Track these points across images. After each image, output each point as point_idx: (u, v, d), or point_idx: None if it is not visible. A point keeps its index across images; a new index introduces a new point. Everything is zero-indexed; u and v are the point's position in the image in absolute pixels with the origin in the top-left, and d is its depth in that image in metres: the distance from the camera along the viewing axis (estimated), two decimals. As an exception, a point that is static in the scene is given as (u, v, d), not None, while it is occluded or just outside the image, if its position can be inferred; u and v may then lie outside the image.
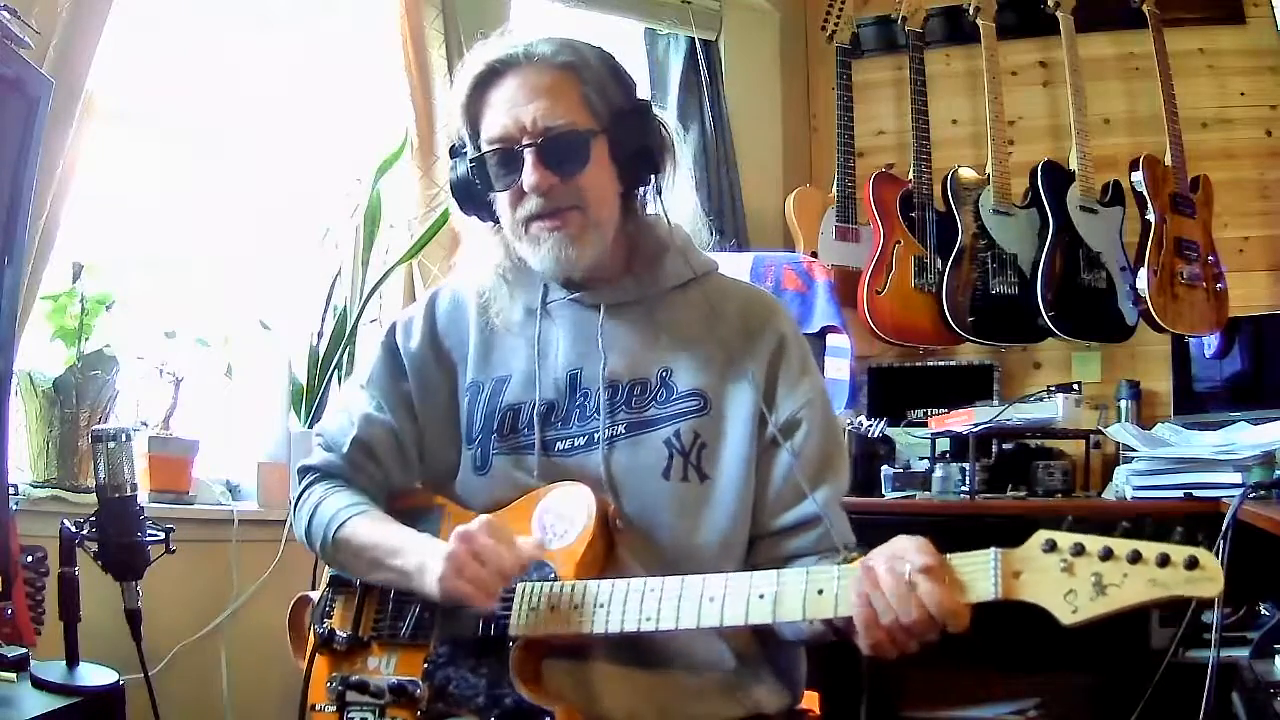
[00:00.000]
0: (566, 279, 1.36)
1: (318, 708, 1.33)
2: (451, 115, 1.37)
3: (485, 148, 1.32)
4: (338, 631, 1.34)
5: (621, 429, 1.31)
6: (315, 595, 1.43)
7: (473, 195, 1.36)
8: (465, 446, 1.38)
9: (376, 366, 1.45)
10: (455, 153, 1.39)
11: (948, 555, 1.00)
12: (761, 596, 1.09)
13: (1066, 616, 0.93)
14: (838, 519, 1.29)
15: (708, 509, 1.28)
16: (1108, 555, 0.93)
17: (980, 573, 0.97)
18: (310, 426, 2.47)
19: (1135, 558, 0.91)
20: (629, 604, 1.15)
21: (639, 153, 1.33)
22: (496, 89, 1.32)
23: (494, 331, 1.40)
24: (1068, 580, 0.94)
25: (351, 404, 1.45)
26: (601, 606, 1.16)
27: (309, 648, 1.37)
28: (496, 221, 1.38)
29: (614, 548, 1.26)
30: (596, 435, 1.31)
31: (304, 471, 1.45)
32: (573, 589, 1.19)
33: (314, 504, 1.38)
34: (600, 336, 1.34)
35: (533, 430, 1.33)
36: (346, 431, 1.41)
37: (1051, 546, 0.95)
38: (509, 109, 1.30)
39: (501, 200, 1.33)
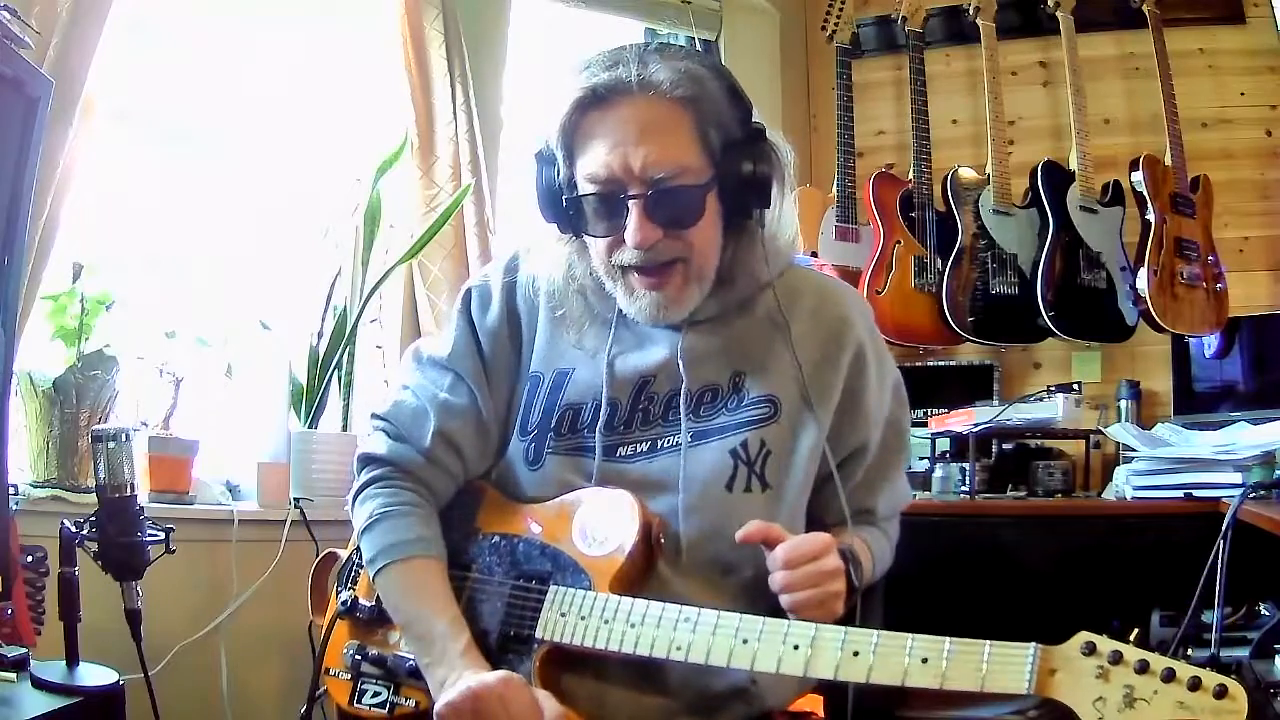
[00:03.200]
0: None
1: (331, 673, 1.32)
2: (545, 125, 1.25)
3: (585, 185, 1.22)
4: (361, 601, 1.32)
5: (688, 437, 1.27)
6: (343, 553, 1.41)
7: (557, 208, 1.27)
8: (519, 436, 1.33)
9: (457, 339, 1.36)
10: (542, 159, 1.27)
11: (987, 642, 1.00)
12: (796, 648, 1.08)
13: None
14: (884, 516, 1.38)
15: (763, 518, 1.24)
16: (1143, 669, 0.94)
17: (1017, 666, 0.98)
18: (311, 426, 2.47)
19: (1169, 676, 0.92)
20: (661, 628, 1.14)
21: (750, 189, 1.24)
22: (601, 114, 1.20)
23: (562, 323, 1.34)
24: (1100, 687, 0.94)
25: (420, 386, 1.36)
26: (633, 626, 1.15)
27: (330, 611, 1.35)
28: (578, 235, 1.28)
29: (654, 564, 1.24)
30: (660, 443, 1.28)
31: (368, 461, 1.35)
32: (606, 602, 1.18)
33: (369, 516, 1.30)
34: (680, 355, 1.29)
35: (593, 432, 1.29)
36: (424, 422, 1.32)
37: (1090, 650, 0.96)
38: (615, 146, 1.18)
39: (597, 240, 1.25)
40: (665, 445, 1.28)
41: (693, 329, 1.30)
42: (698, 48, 3.32)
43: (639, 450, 1.28)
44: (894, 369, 1.38)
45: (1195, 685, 0.91)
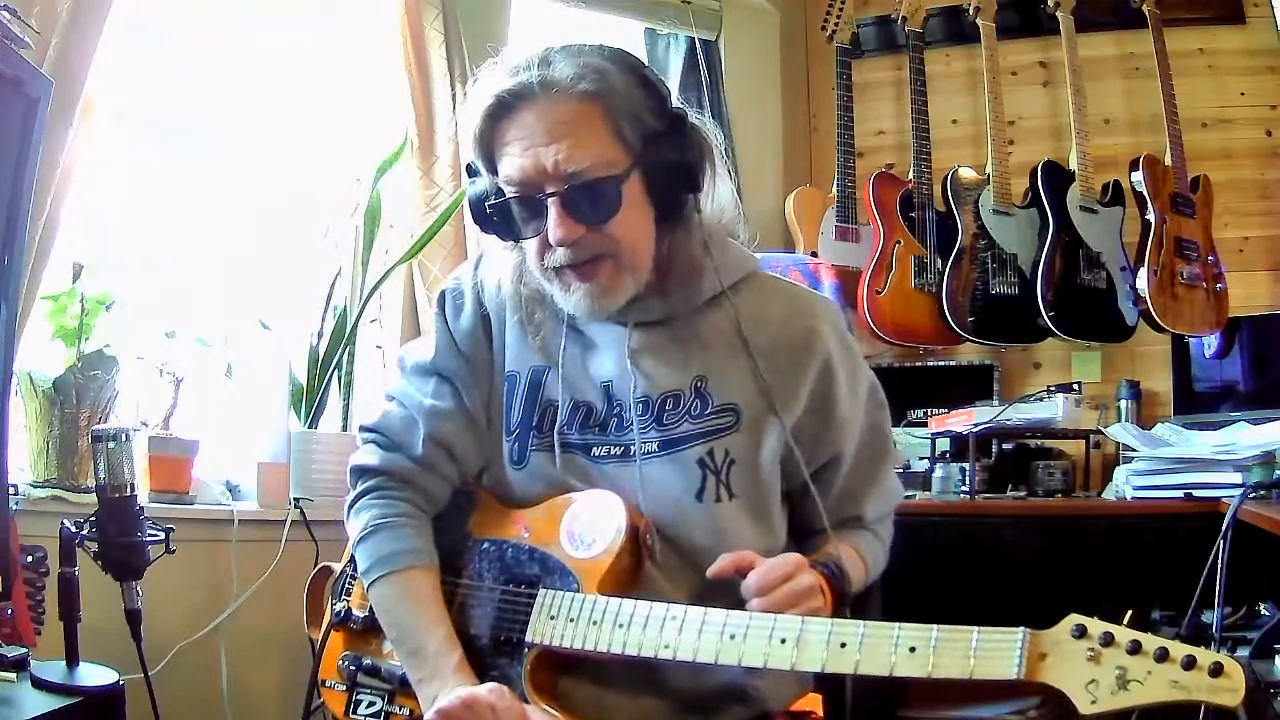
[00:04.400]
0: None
1: (328, 684, 1.33)
2: (463, 138, 1.28)
3: (506, 190, 1.22)
4: (355, 611, 1.33)
5: (654, 446, 1.26)
6: (337, 567, 1.41)
7: (487, 218, 1.28)
8: (504, 436, 1.33)
9: (439, 340, 1.37)
10: (472, 172, 1.29)
11: (975, 629, 0.99)
12: (783, 641, 1.07)
13: (1085, 705, 0.93)
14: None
15: (737, 527, 1.25)
16: (1135, 650, 0.92)
17: (1006, 652, 0.96)
18: (311, 426, 2.47)
19: (1162, 656, 0.90)
20: (649, 628, 1.13)
21: (676, 176, 1.23)
22: (511, 121, 1.20)
23: (523, 327, 1.34)
24: (1092, 669, 0.93)
25: (405, 395, 1.37)
26: (621, 627, 1.15)
27: (325, 623, 1.36)
28: (517, 241, 1.29)
29: (642, 565, 1.23)
30: (631, 449, 1.27)
31: (361, 473, 1.35)
32: (594, 603, 1.17)
33: (364, 527, 1.31)
34: (628, 356, 1.28)
35: (570, 429, 1.30)
36: (413, 430, 1.33)
37: (1081, 632, 0.94)
38: (527, 148, 1.19)
39: (528, 243, 1.26)
40: (634, 453, 1.27)
41: (639, 329, 1.30)
42: (697, 48, 3.33)
43: (613, 453, 1.28)
44: (868, 374, 1.37)
45: (1190, 664, 0.89)
